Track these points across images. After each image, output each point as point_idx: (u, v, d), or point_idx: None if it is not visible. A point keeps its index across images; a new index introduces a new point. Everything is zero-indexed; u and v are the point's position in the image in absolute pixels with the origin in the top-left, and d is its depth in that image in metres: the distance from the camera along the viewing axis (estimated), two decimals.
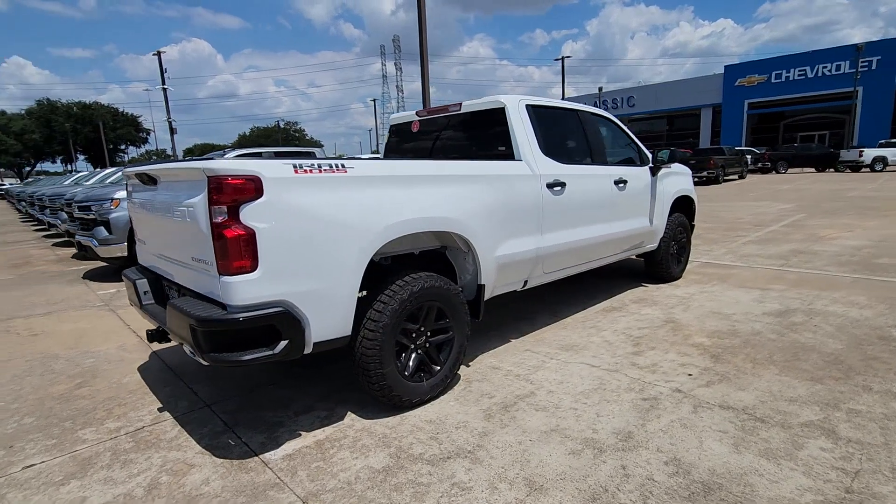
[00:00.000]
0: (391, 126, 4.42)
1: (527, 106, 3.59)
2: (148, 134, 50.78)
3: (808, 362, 3.13)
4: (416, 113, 4.11)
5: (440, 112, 3.88)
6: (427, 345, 2.81)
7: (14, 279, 7.03)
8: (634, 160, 4.75)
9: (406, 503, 1.98)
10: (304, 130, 63.68)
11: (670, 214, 5.17)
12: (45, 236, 12.50)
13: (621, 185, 4.27)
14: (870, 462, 2.10)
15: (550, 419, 2.58)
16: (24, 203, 16.81)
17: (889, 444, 2.22)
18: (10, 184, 40.43)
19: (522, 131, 3.46)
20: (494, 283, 3.21)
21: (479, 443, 2.38)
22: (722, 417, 2.52)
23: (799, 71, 34.02)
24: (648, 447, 2.28)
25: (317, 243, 2.23)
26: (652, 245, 4.97)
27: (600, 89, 39.89)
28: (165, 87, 30.18)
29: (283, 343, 2.17)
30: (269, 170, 2.10)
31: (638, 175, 4.58)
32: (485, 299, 3.23)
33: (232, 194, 2.02)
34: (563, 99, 42.93)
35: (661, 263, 5.15)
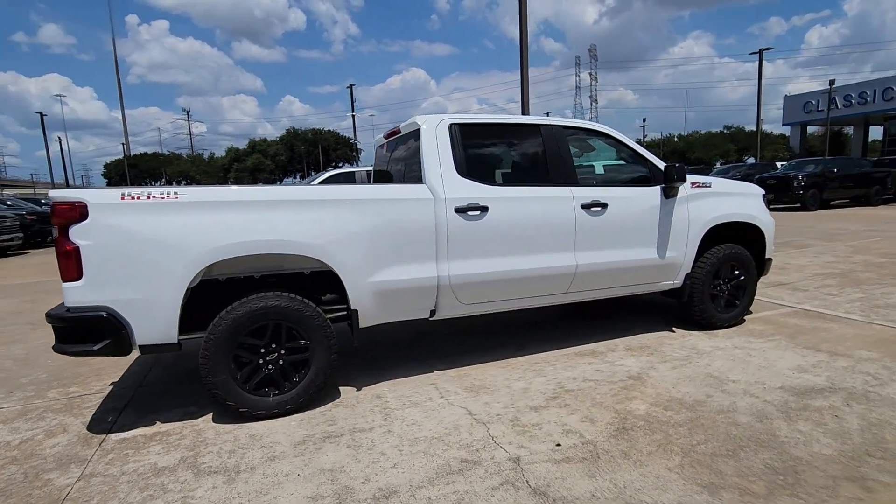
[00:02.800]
0: (376, 146, 4.58)
1: (452, 125, 3.38)
2: (359, 153, 60.40)
3: (739, 463, 2.25)
4: (384, 135, 4.19)
5: (394, 134, 3.90)
6: (281, 362, 2.92)
7: None
8: (639, 180, 3.97)
9: (138, 502, 2.16)
10: None
11: (713, 245, 4.13)
12: None
13: (596, 208, 3.63)
14: None
15: (346, 459, 2.43)
16: None
17: None
18: None
19: (433, 153, 3.28)
20: (377, 310, 3.12)
21: (258, 466, 2.40)
22: (519, 501, 2.04)
23: None
24: None
25: (139, 259, 2.57)
26: (669, 282, 4.05)
27: (831, 83, 32.14)
28: (354, 114, 35.22)
29: (105, 342, 2.56)
30: (95, 197, 2.53)
31: (634, 197, 3.81)
32: (370, 325, 3.17)
33: (61, 217, 2.49)
34: (785, 97, 35.98)
35: (691, 306, 4.15)
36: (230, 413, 2.86)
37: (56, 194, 2.54)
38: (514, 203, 3.38)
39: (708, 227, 4.04)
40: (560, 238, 3.52)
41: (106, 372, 3.82)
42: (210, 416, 2.96)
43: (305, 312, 2.89)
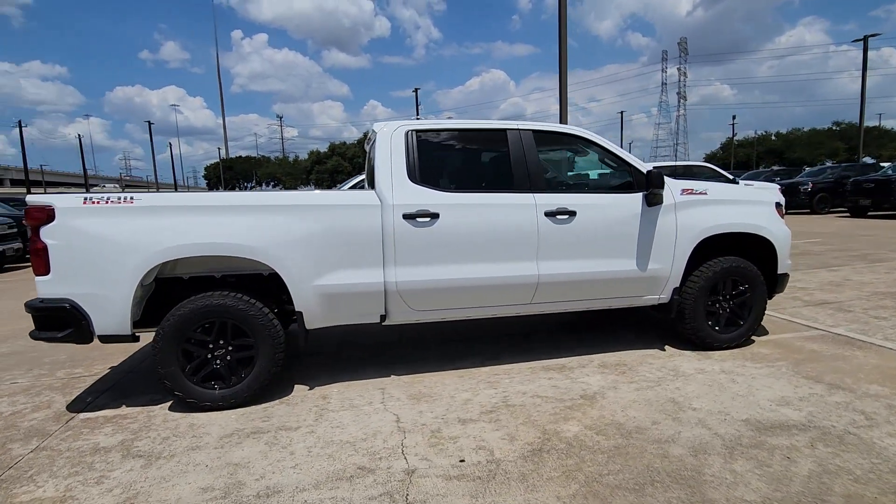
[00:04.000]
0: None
1: (409, 132, 3.38)
2: None
3: (639, 499, 2.06)
4: (365, 140, 4.27)
5: (369, 140, 3.97)
6: (228, 358, 3.09)
7: None
8: (622, 186, 3.72)
9: (62, 476, 2.40)
10: None
11: (712, 257, 3.77)
12: None
13: (562, 216, 3.45)
14: None
15: (256, 455, 2.52)
16: None
17: None
18: None
19: (386, 160, 3.30)
20: (323, 312, 3.19)
21: (178, 454, 2.56)
22: None
23: None
24: None
25: (97, 258, 2.84)
26: (654, 297, 3.74)
27: None
28: (419, 117, 36.01)
29: (68, 330, 2.87)
30: (61, 201, 2.84)
31: (609, 204, 3.57)
32: (318, 327, 3.26)
33: (33, 218, 2.82)
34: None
35: (681, 323, 3.81)
36: (180, 403, 3.08)
37: (31, 199, 2.88)
38: (467, 210, 3.31)
39: (701, 238, 3.69)
40: (520, 246, 3.39)
41: (113, 357, 4.25)
42: (168, 404, 3.20)
43: (249, 312, 3.04)
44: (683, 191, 3.71)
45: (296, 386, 3.43)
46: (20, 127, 51.34)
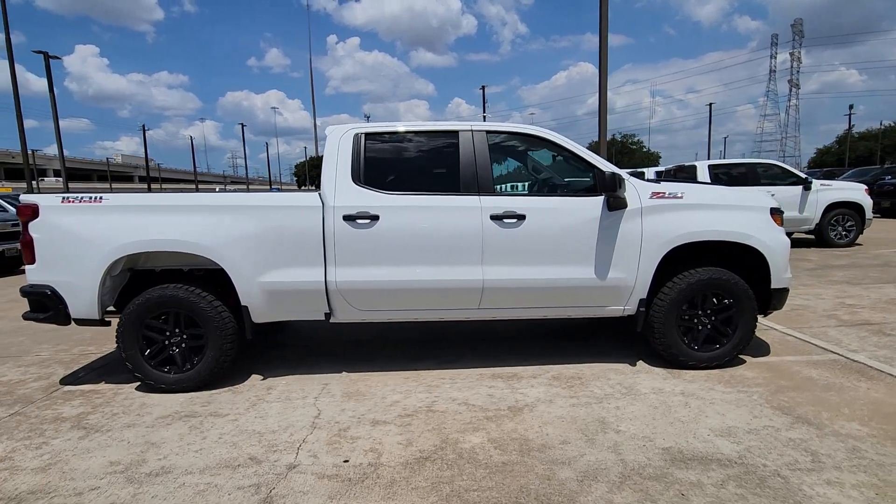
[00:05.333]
0: None
1: (357, 135, 3.44)
2: None
3: None
4: None
5: None
6: (183, 346, 3.36)
7: None
8: (584, 189, 3.49)
9: (18, 439, 2.77)
10: (641, 143, 61.24)
11: (689, 268, 3.44)
12: None
13: (510, 220, 3.32)
14: None
15: (173, 437, 2.73)
16: None
17: None
18: None
19: (332, 162, 3.38)
20: (267, 308, 3.35)
21: (113, 430, 2.83)
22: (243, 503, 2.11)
23: None
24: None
25: (69, 250, 3.21)
26: (618, 307, 3.48)
27: None
28: (485, 114, 35.67)
29: (49, 312, 3.28)
30: (44, 200, 3.24)
31: (563, 208, 3.37)
32: (264, 321, 3.43)
33: (23, 215, 3.25)
34: None
35: (651, 338, 3.52)
36: (144, 383, 3.40)
37: (22, 197, 3.33)
38: (407, 212, 3.30)
39: (672, 246, 3.37)
40: (463, 250, 3.32)
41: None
42: (137, 384, 3.55)
43: (199, 304, 3.28)
44: (653, 194, 3.41)
45: (252, 376, 3.64)
46: (143, 130, 58.35)
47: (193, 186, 65.55)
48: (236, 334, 3.39)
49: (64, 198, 3.25)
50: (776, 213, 3.54)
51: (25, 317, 3.39)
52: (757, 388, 3.18)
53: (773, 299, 3.53)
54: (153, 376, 3.32)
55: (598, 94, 9.52)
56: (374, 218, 3.28)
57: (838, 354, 3.73)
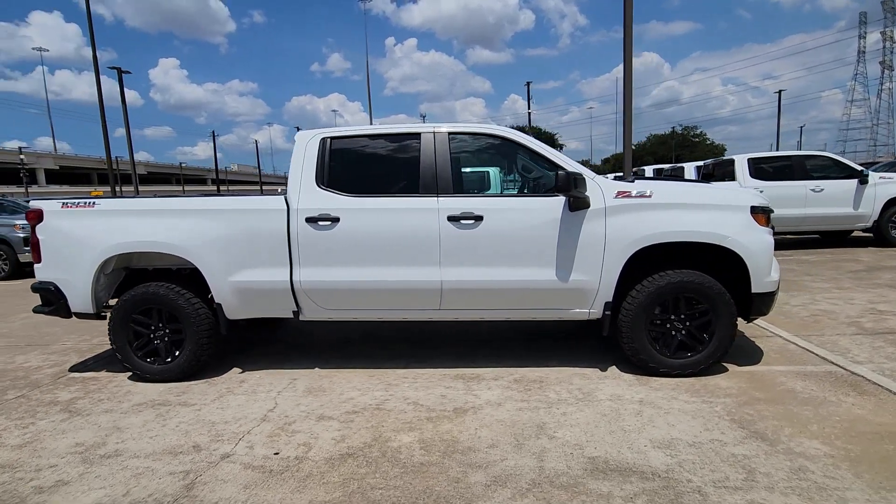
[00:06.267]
0: None
1: (324, 139, 3.55)
2: (561, 148, 60.38)
3: None
4: None
5: None
6: (166, 339, 3.63)
7: None
8: (546, 189, 3.41)
9: (14, 419, 3.11)
10: (704, 135, 57.42)
11: (662, 270, 3.27)
12: None
13: (467, 221, 3.30)
14: None
15: (138, 423, 2.96)
16: None
17: None
18: None
19: (298, 166, 3.51)
20: (239, 305, 3.54)
21: (92, 414, 3.11)
22: (163, 488, 2.27)
23: None
24: None
25: (67, 251, 3.55)
26: (583, 311, 3.37)
27: None
28: (530, 111, 35.04)
29: (53, 306, 3.65)
30: (48, 205, 3.60)
31: (521, 208, 3.31)
32: (237, 318, 3.62)
33: (31, 219, 3.63)
34: None
35: (620, 342, 3.38)
36: (133, 373, 3.70)
37: (31, 203, 3.72)
38: (366, 214, 3.37)
39: (638, 248, 3.22)
40: (421, 251, 3.35)
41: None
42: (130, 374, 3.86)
43: (178, 301, 3.53)
44: (619, 193, 3.27)
45: (233, 369, 3.85)
46: (213, 136, 62.42)
47: (258, 188, 69.26)
48: (213, 330, 3.61)
49: (63, 203, 3.61)
50: (759, 211, 3.28)
51: (35, 310, 3.78)
52: (725, 398, 2.99)
53: (753, 304, 3.28)
54: (140, 367, 3.61)
55: (623, 98, 9.10)
56: (335, 220, 3.38)
57: (838, 366, 3.41)
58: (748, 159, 8.82)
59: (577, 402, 3.01)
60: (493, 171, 7.32)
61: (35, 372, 3.99)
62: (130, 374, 3.79)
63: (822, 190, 8.47)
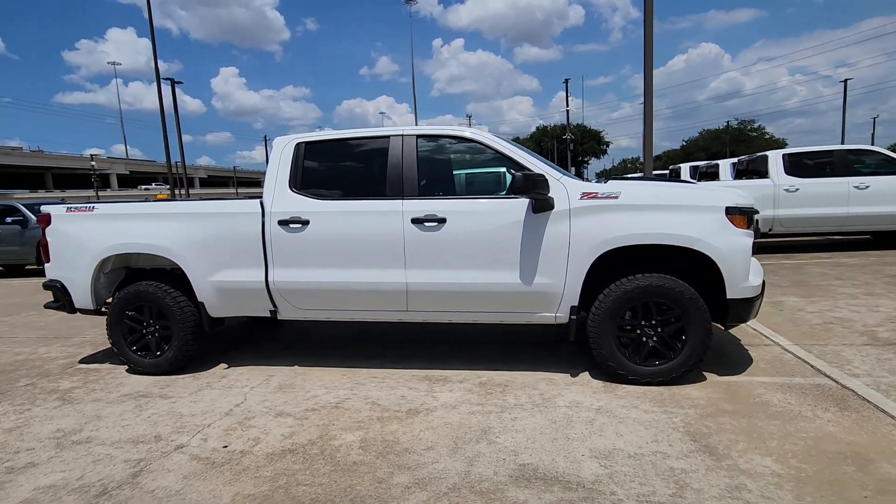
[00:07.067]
0: None
1: (299, 144, 3.66)
2: (607, 146, 58.21)
3: None
4: None
5: None
6: (157, 334, 3.86)
7: None
8: (504, 191, 3.36)
9: (16, 405, 3.41)
10: (763, 129, 53.63)
11: (628, 274, 3.16)
12: None
13: (430, 223, 3.30)
14: None
15: (116, 414, 3.17)
16: None
17: None
18: None
19: (273, 171, 3.63)
20: (220, 304, 3.71)
21: (80, 403, 3.37)
22: (113, 475, 2.44)
23: None
24: None
25: (70, 251, 3.85)
26: (549, 314, 3.29)
27: None
28: (568, 108, 34.45)
29: (60, 303, 3.97)
30: (55, 210, 3.91)
31: (484, 211, 3.27)
32: (219, 316, 3.80)
33: (42, 222, 3.97)
34: None
35: (592, 349, 3.28)
36: (128, 366, 3.96)
37: (43, 208, 4.05)
38: (333, 217, 3.45)
39: (603, 250, 3.12)
40: (386, 253, 3.39)
41: None
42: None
43: (164, 299, 3.75)
44: (584, 195, 3.18)
45: (220, 364, 4.05)
46: (265, 141, 65.10)
47: None
48: (198, 327, 3.81)
49: (68, 208, 3.91)
50: (736, 212, 3.09)
51: (46, 306, 4.13)
52: (690, 409, 2.84)
53: (730, 310, 3.10)
54: (133, 360, 3.87)
55: (643, 97, 8.71)
56: (305, 223, 3.49)
57: (829, 378, 3.17)
58: (783, 155, 8.27)
59: (533, 408, 2.96)
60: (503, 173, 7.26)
61: (50, 362, 4.35)
62: (128, 367, 4.06)
63: (868, 187, 7.81)
